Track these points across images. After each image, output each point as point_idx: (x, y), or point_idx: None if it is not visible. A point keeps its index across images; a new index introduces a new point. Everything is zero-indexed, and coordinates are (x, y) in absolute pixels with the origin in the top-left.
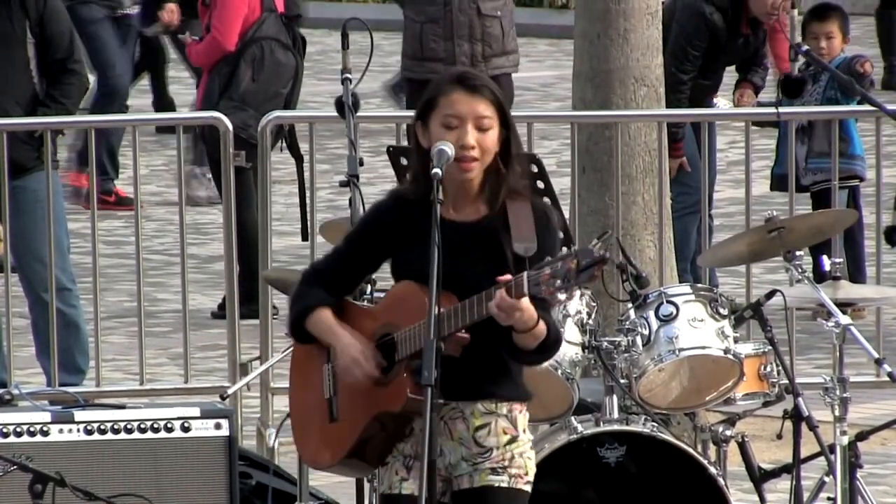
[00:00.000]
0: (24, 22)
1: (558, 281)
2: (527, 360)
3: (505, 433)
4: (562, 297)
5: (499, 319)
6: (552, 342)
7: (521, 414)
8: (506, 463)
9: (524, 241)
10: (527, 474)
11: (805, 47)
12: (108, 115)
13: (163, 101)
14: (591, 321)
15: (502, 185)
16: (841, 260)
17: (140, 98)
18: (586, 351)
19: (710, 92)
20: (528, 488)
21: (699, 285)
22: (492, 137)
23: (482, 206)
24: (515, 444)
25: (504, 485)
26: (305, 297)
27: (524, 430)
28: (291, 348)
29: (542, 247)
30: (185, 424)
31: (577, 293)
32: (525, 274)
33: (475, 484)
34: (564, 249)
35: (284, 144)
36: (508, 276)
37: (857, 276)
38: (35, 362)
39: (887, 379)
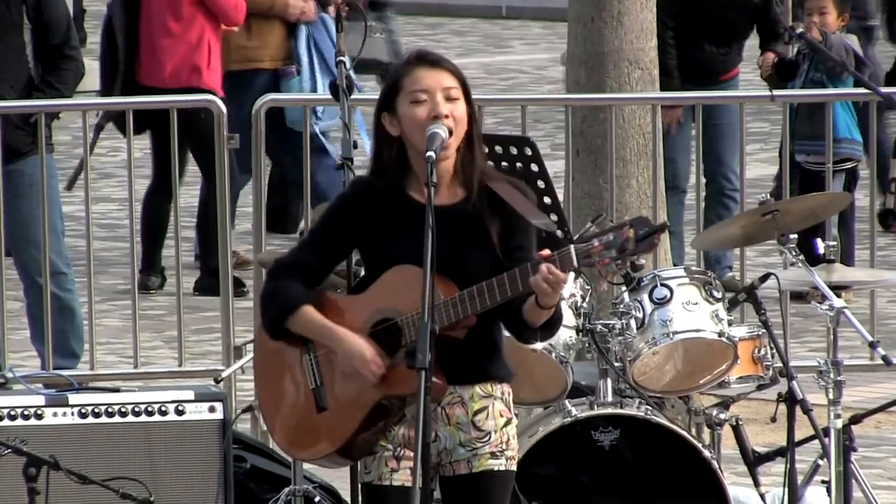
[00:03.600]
0: (20, 6)
1: (613, 251)
2: (530, 336)
3: (501, 416)
4: (613, 268)
5: (542, 294)
6: (556, 319)
7: (510, 395)
8: (503, 446)
9: (536, 217)
10: (516, 455)
11: (799, 30)
12: (104, 99)
13: None
14: (585, 304)
15: (475, 166)
16: (835, 243)
17: None
18: (580, 334)
19: (725, 65)
20: (516, 468)
21: (693, 268)
22: (461, 109)
23: (458, 188)
24: (510, 426)
25: (502, 468)
26: (281, 293)
27: (513, 412)
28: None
29: (526, 223)
30: (180, 407)
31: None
32: (572, 247)
33: (474, 469)
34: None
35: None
36: (547, 251)
37: (846, 260)
38: (29, 345)
39: (881, 362)
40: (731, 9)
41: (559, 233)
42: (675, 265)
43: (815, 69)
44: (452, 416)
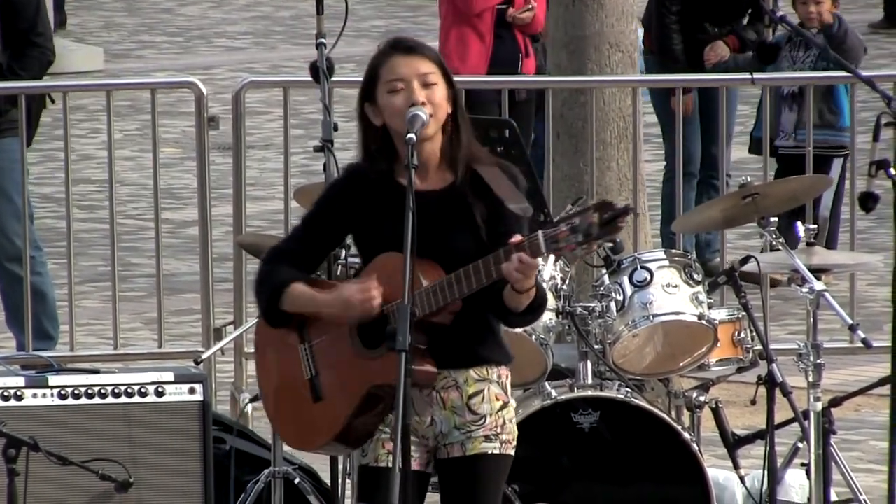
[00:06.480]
0: None
1: (580, 236)
2: (515, 321)
3: (497, 399)
4: (580, 252)
5: (514, 281)
6: (540, 303)
7: (508, 379)
8: (498, 430)
9: (515, 202)
10: (514, 439)
11: (780, 13)
12: (82, 80)
13: None
14: (565, 287)
15: (460, 149)
16: (815, 226)
17: (117, 63)
18: (560, 316)
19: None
20: (513, 452)
21: (673, 251)
22: (440, 93)
23: (447, 173)
24: (506, 409)
25: (496, 451)
26: (272, 276)
27: (510, 396)
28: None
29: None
30: (159, 389)
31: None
32: (541, 233)
33: (468, 452)
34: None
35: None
36: (519, 237)
37: (832, 243)
38: (5, 328)
39: (861, 345)
40: None
41: (540, 216)
42: (685, 250)
43: (823, 57)
44: (448, 399)
